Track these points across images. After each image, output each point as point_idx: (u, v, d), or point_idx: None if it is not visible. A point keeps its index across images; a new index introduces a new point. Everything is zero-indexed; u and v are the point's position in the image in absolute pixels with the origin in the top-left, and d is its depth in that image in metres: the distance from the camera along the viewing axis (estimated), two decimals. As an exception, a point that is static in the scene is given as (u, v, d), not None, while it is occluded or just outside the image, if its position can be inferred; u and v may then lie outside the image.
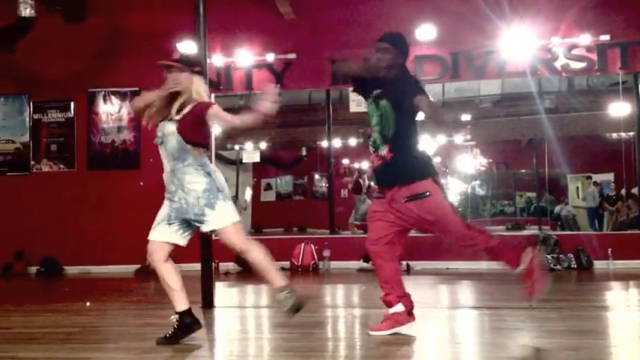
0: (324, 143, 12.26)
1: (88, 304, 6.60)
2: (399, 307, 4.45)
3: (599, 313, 5.67)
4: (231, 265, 9.70)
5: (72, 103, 11.15)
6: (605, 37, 9.61)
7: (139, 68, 10.76)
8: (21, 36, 9.68)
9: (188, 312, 4.38)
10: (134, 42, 10.75)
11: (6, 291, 9.12)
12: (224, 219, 4.25)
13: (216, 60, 10.35)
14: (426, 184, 4.25)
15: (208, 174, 4.29)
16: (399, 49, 4.52)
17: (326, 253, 10.12)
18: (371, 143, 4.43)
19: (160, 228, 4.35)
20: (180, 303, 4.37)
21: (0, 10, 9.65)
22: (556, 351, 3.99)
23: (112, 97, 11.02)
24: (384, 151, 4.33)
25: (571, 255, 9.42)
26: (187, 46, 9.97)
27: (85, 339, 4.77)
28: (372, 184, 13.34)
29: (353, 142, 14.66)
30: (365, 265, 9.85)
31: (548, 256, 9.41)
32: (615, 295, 7.32)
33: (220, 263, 9.54)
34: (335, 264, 10.11)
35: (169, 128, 4.29)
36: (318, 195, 15.53)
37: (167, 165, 4.33)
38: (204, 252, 6.26)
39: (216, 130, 9.59)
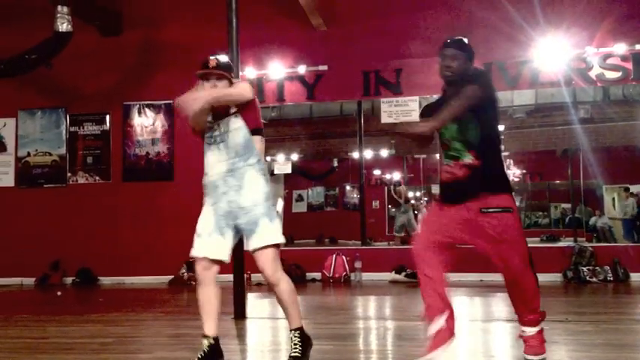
0: (356, 154, 12.28)
1: (59, 293, 6.65)
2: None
3: (636, 326, 5.56)
4: (261, 276, 9.72)
5: (107, 116, 11.32)
6: (641, 47, 9.48)
7: (173, 81, 10.86)
8: (58, 50, 9.85)
9: (217, 339, 4.11)
10: (168, 55, 10.91)
11: (42, 301, 9.26)
12: (275, 236, 3.92)
13: (249, 72, 10.43)
14: (510, 198, 3.98)
15: (268, 181, 4.02)
16: (467, 53, 4.25)
17: (357, 264, 10.10)
18: (451, 154, 4.07)
19: (211, 241, 3.94)
20: (214, 327, 4.09)
21: (38, 25, 9.86)
22: (592, 365, 3.93)
23: (147, 109, 11.17)
24: (468, 158, 3.99)
25: (607, 267, 9.27)
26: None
27: (119, 349, 4.82)
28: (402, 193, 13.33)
29: (384, 153, 14.64)
30: (397, 276, 9.82)
31: (584, 268, 9.27)
32: (653, 308, 7.18)
33: (252, 274, 9.57)
34: (366, 275, 10.08)
35: (235, 123, 3.97)
36: (349, 206, 15.52)
37: (223, 164, 3.94)
38: (236, 263, 6.28)
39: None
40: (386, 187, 14.31)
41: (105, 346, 4.93)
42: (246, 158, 3.95)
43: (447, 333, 3.92)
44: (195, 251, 3.97)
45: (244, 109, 4.00)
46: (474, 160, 3.98)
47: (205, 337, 4.02)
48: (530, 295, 4.00)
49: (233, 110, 4.01)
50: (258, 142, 4.03)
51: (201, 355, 3.96)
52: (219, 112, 4.02)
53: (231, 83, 4.08)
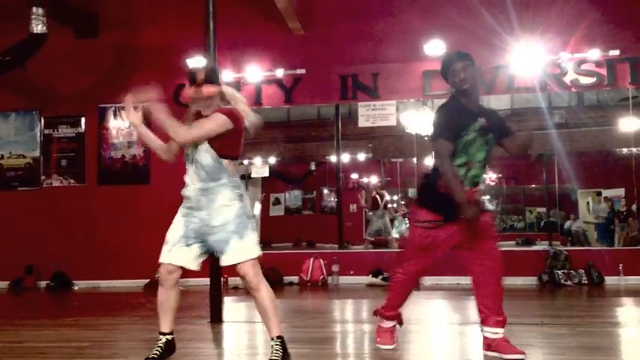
0: (333, 158, 12.29)
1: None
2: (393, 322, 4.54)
3: (610, 329, 5.62)
4: (239, 280, 9.68)
5: (82, 119, 11.22)
6: (615, 52, 9.62)
7: (149, 84, 10.85)
8: (33, 52, 9.75)
9: (172, 334, 4.17)
10: (145, 58, 10.84)
11: (16, 305, 9.14)
12: (248, 252, 3.94)
13: (226, 75, 10.40)
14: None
15: (241, 197, 4.02)
16: (473, 62, 4.23)
17: (335, 267, 10.11)
18: (471, 177, 4.12)
19: (177, 250, 3.99)
20: (171, 325, 4.15)
21: (12, 27, 9.75)
22: (567, 367, 3.96)
23: (123, 112, 11.06)
24: (481, 184, 4.27)
25: (582, 270, 9.37)
26: (197, 62, 10.05)
27: (94, 353, 4.77)
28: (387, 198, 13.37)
29: (362, 156, 14.68)
30: (374, 280, 9.84)
31: (559, 272, 9.36)
32: (627, 311, 7.27)
33: (229, 278, 9.53)
34: (344, 279, 10.09)
35: (203, 145, 3.98)
36: (326, 210, 15.51)
37: (197, 183, 3.98)
38: (213, 266, 6.25)
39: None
40: (363, 191, 14.31)
41: (80, 350, 4.88)
42: (217, 178, 3.97)
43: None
44: (162, 258, 4.07)
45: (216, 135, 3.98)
46: (481, 186, 4.27)
47: (162, 334, 4.13)
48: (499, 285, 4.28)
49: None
50: (230, 164, 4.04)
51: (158, 351, 4.07)
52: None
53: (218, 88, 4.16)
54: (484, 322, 4.21)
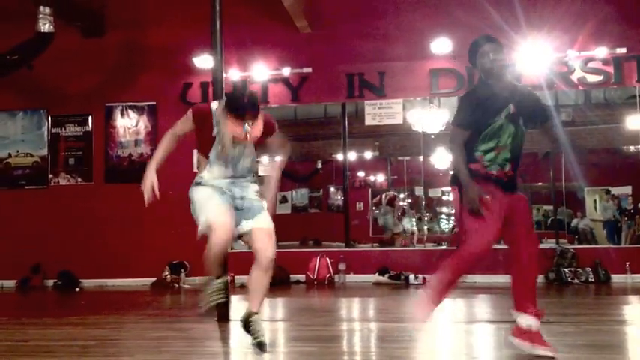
0: (340, 156, 12.28)
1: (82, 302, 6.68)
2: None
3: (617, 327, 5.61)
4: (246, 278, 9.70)
5: (90, 117, 11.26)
6: (622, 50, 9.59)
7: (156, 82, 10.91)
8: (40, 51, 9.78)
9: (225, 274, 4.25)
10: (151, 57, 10.88)
11: (23, 304, 9.18)
12: (272, 225, 4.08)
13: (233, 74, 10.41)
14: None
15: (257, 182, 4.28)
16: (504, 49, 4.26)
17: (341, 266, 10.11)
18: (499, 163, 4.11)
19: (229, 212, 3.94)
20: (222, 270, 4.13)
21: (19, 26, 9.78)
22: (574, 366, 3.95)
23: (130, 111, 11.11)
24: (507, 168, 4.13)
25: (589, 269, 9.35)
26: (204, 61, 10.08)
27: (101, 352, 4.79)
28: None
29: (368, 155, 14.66)
30: (381, 278, 9.84)
31: (566, 270, 9.34)
32: (633, 308, 7.25)
33: (236, 276, 9.55)
34: (350, 277, 10.09)
35: (250, 151, 4.13)
36: (333, 208, 15.50)
37: (228, 180, 4.09)
38: (220, 265, 6.26)
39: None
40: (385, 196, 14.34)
41: (86, 348, 4.90)
42: (247, 177, 4.17)
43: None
44: (216, 217, 3.87)
45: (270, 135, 4.21)
46: (509, 171, 4.14)
47: (219, 276, 4.07)
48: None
49: (252, 137, 4.04)
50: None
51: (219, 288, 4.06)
52: (241, 135, 3.99)
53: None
54: (519, 308, 4.12)
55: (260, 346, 3.95)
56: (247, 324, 4.01)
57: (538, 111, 4.28)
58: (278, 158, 4.49)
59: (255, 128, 4.00)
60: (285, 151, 4.46)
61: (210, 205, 3.95)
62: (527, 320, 4.09)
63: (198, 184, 4.11)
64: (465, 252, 4.08)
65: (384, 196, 13.46)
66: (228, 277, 4.15)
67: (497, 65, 4.13)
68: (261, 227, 4.01)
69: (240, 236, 4.08)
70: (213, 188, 4.05)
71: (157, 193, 4.05)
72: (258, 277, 4.01)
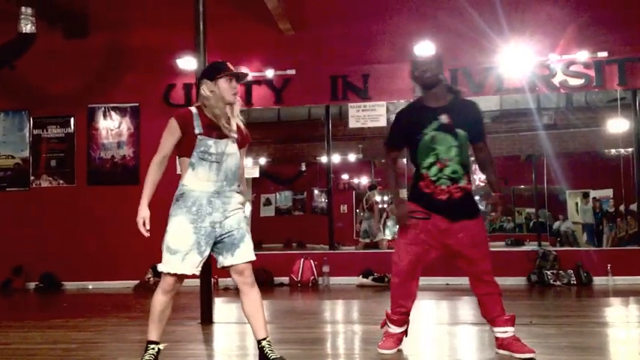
0: (324, 159, 12.28)
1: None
2: (404, 328, 4.48)
3: (599, 329, 5.65)
4: (229, 281, 9.67)
5: (72, 119, 11.18)
6: (603, 54, 9.67)
7: (139, 84, 10.85)
8: (21, 52, 9.70)
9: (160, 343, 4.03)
10: (134, 58, 10.83)
11: (4, 306, 9.10)
12: (253, 253, 4.00)
13: (216, 76, 10.37)
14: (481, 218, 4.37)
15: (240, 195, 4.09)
16: (442, 64, 4.32)
17: (325, 268, 10.11)
18: (447, 176, 4.16)
19: (191, 259, 3.87)
20: (158, 334, 3.99)
21: (0, 26, 9.70)
22: (556, 367, 3.98)
23: (112, 112, 11.05)
24: (464, 182, 4.19)
25: (571, 271, 9.42)
26: (187, 62, 10.05)
27: (83, 355, 4.76)
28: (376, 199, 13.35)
29: (352, 157, 14.70)
30: (364, 280, 9.85)
31: (548, 272, 9.41)
32: (615, 311, 7.30)
33: (219, 279, 9.53)
34: (334, 279, 10.09)
35: (232, 148, 3.99)
36: (317, 210, 15.53)
37: (211, 185, 3.91)
38: (203, 267, 6.23)
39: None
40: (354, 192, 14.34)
41: (68, 352, 4.87)
42: (232, 184, 3.99)
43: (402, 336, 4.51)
44: (174, 268, 3.87)
45: (240, 144, 4.07)
46: (467, 185, 4.22)
47: (155, 342, 3.96)
48: (498, 294, 4.27)
49: (234, 135, 4.01)
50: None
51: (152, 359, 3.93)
52: (220, 131, 3.96)
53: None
54: (492, 322, 4.26)
55: None
56: (261, 351, 3.97)
57: (475, 126, 4.28)
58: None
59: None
60: (244, 183, 4.19)
61: (179, 251, 3.87)
62: (501, 330, 4.22)
63: (180, 197, 3.94)
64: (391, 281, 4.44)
65: (364, 200, 13.47)
66: (162, 346, 3.97)
67: (423, 80, 4.24)
68: (242, 262, 3.95)
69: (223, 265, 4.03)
70: (192, 219, 3.88)
71: (147, 230, 3.98)
72: (247, 299, 4.01)
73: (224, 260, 3.95)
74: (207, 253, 3.92)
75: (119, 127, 11.03)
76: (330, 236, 11.33)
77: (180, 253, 3.86)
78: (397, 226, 4.25)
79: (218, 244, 3.94)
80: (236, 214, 3.97)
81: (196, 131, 3.93)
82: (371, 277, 9.83)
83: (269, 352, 3.92)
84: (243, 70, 4.13)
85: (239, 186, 4.06)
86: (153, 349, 3.94)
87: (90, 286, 10.61)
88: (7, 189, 11.16)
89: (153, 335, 3.95)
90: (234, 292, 9.38)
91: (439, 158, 4.15)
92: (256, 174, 12.24)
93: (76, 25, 11.09)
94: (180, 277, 3.91)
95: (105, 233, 10.55)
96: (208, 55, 6.50)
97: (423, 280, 4.48)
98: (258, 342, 3.97)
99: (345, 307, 8.07)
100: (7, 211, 10.89)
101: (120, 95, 10.95)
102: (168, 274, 3.89)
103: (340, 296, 8.94)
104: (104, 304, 8.54)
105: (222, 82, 3.99)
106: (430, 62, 4.26)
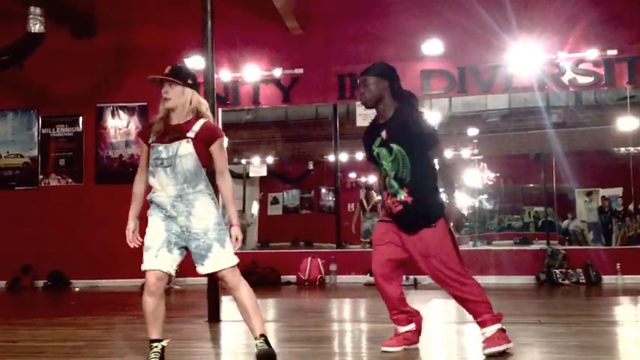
0: (331, 157, 12.28)
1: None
2: (411, 326, 4.45)
3: (608, 328, 5.62)
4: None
5: (80, 118, 11.21)
6: (613, 52, 9.62)
7: (147, 83, 10.82)
8: (30, 52, 9.74)
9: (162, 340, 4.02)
10: (142, 57, 10.83)
11: (13, 304, 9.13)
12: (229, 260, 3.90)
13: (224, 75, 10.39)
14: (440, 223, 4.20)
15: (217, 204, 4.00)
16: (386, 78, 4.33)
17: (332, 267, 10.11)
18: (388, 190, 4.26)
19: (162, 255, 3.88)
20: (161, 331, 4.00)
21: (9, 26, 9.73)
22: (565, 366, 3.96)
23: (120, 111, 11.07)
24: (402, 195, 4.18)
25: (579, 270, 9.38)
26: (195, 61, 10.05)
27: (91, 353, 4.77)
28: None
29: (360, 156, 14.66)
30: (372, 279, 9.83)
31: (557, 271, 9.37)
32: (624, 310, 7.27)
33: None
34: (341, 278, 10.08)
35: (186, 149, 3.87)
36: (324, 209, 15.51)
37: (172, 189, 3.89)
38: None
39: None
40: (360, 190, 14.27)
41: (76, 349, 4.88)
42: (195, 185, 3.91)
43: (415, 335, 4.48)
44: (148, 265, 3.92)
45: (197, 138, 3.91)
46: (406, 197, 4.19)
47: (156, 341, 3.97)
48: (473, 294, 4.19)
49: (189, 135, 3.91)
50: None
51: (156, 357, 3.94)
52: (176, 134, 3.93)
53: (186, 88, 4.04)
54: (481, 324, 4.23)
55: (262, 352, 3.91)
56: (256, 347, 3.96)
57: (416, 138, 4.21)
58: (224, 183, 4.01)
59: (173, 95, 4.00)
60: (226, 175, 4.01)
61: (151, 247, 3.92)
62: (486, 329, 4.20)
63: (150, 203, 4.03)
64: None
65: (363, 200, 13.26)
66: (165, 342, 3.98)
67: (363, 101, 4.33)
68: (208, 272, 3.92)
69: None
70: (162, 217, 3.94)
71: (139, 242, 4.06)
72: (237, 302, 3.98)
73: (198, 268, 3.94)
74: (177, 252, 3.92)
75: (127, 126, 11.05)
76: (337, 235, 11.33)
77: (153, 249, 3.90)
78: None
79: (192, 249, 3.92)
80: (202, 220, 3.88)
81: (150, 140, 3.99)
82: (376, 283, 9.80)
83: (259, 345, 3.92)
84: (167, 71, 4.03)
85: (207, 186, 3.95)
86: (156, 347, 3.96)
87: (98, 284, 10.64)
88: (16, 188, 11.21)
89: (153, 334, 3.98)
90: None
91: (386, 172, 4.27)
92: (264, 172, 12.27)
93: (83, 24, 11.12)
94: (160, 277, 3.90)
95: (113, 232, 10.46)
96: (216, 55, 6.50)
97: (430, 280, 4.47)
98: (255, 340, 3.98)
99: (352, 305, 8.06)
100: (15, 209, 10.93)
101: (128, 94, 10.97)
102: (147, 271, 3.93)
103: (347, 295, 8.93)
104: (112, 303, 8.57)
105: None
106: (368, 83, 4.29)
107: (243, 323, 6.38)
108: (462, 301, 4.23)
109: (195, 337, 5.43)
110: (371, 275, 9.77)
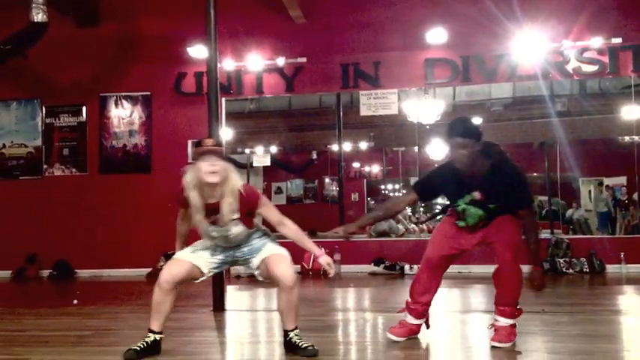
0: (335, 147, 12.27)
1: (75, 301, 6.79)
2: (421, 321, 4.50)
3: (611, 317, 5.63)
4: (241, 269, 9.68)
5: (84, 108, 11.20)
6: (617, 40, 9.56)
7: (151, 72, 10.86)
8: (33, 41, 9.72)
9: (160, 334, 4.15)
10: (146, 47, 10.82)
11: (19, 294, 9.17)
12: (281, 250, 4.22)
13: (227, 64, 10.37)
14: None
15: (267, 234, 4.29)
16: (474, 137, 4.17)
17: (336, 256, 10.10)
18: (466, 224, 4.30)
19: (202, 255, 4.09)
20: (162, 325, 4.13)
21: (13, 15, 9.71)
22: (568, 355, 3.97)
23: (124, 101, 11.06)
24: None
25: (583, 259, 9.37)
26: (198, 51, 10.05)
27: (96, 342, 4.79)
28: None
29: (363, 145, 14.66)
30: (376, 268, 9.86)
31: (561, 260, 9.36)
32: (628, 299, 7.28)
33: (231, 267, 9.54)
34: (346, 267, 10.09)
35: (237, 228, 4.03)
36: (328, 198, 15.53)
37: (226, 248, 4.16)
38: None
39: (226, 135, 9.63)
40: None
41: (82, 338, 4.90)
42: (248, 241, 4.14)
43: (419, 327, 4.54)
44: (180, 254, 4.04)
45: (241, 212, 4.01)
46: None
47: (153, 332, 4.09)
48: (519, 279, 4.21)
49: (234, 217, 3.99)
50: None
51: (142, 346, 4.05)
52: (218, 215, 3.97)
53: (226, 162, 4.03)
54: (500, 313, 4.28)
55: (309, 353, 3.98)
56: (288, 342, 4.05)
57: (516, 197, 4.22)
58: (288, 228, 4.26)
59: (220, 169, 3.86)
60: (286, 222, 4.27)
61: (194, 246, 4.11)
62: (494, 317, 4.29)
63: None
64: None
65: None
66: (158, 337, 4.08)
67: (461, 162, 4.16)
68: (270, 254, 4.05)
69: (254, 274, 4.19)
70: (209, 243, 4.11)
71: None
72: (285, 298, 4.04)
73: (254, 262, 4.14)
74: (217, 259, 4.12)
75: (131, 115, 11.04)
76: (341, 224, 11.31)
77: (196, 247, 4.08)
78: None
79: (242, 259, 4.17)
80: (252, 247, 4.16)
81: (197, 217, 4.02)
82: (382, 265, 9.83)
83: (297, 340, 4.02)
84: (213, 143, 3.95)
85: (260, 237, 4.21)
86: (149, 337, 4.08)
87: (103, 274, 10.66)
88: (20, 177, 11.22)
89: (152, 324, 4.11)
90: (245, 280, 9.43)
91: (467, 224, 4.35)
92: (267, 162, 12.25)
93: (87, 13, 11.09)
94: (176, 277, 4.00)
95: (117, 221, 10.60)
96: (219, 44, 6.49)
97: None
98: (286, 333, 4.07)
99: (356, 295, 8.08)
100: (20, 199, 10.95)
101: (131, 84, 10.96)
102: (170, 264, 4.05)
103: (351, 284, 8.94)
104: (117, 292, 8.60)
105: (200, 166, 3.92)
106: (465, 146, 4.14)
107: (247, 312, 6.44)
108: (498, 285, 4.26)
109: (201, 327, 5.45)
110: (376, 265, 9.85)
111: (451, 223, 4.34)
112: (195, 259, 4.03)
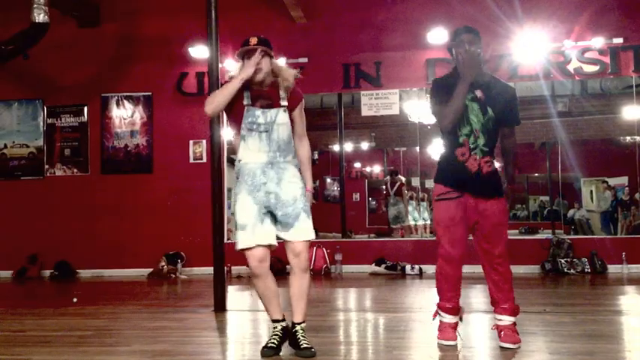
0: (336, 147, 12.26)
1: (75, 299, 6.77)
2: (458, 316, 4.40)
3: (613, 317, 5.62)
4: (242, 269, 9.69)
5: (85, 108, 11.22)
6: (619, 40, 9.57)
7: (152, 73, 10.87)
8: (35, 41, 9.73)
9: (284, 320, 4.14)
10: (147, 47, 10.84)
11: (20, 294, 9.18)
12: (312, 232, 4.00)
13: (229, 64, 10.36)
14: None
15: (302, 179, 4.08)
16: (479, 37, 4.26)
17: (338, 256, 10.12)
18: (472, 146, 4.15)
19: (259, 230, 3.89)
20: (280, 310, 4.13)
21: (14, 16, 9.74)
22: (570, 356, 3.96)
23: (125, 101, 11.07)
24: (487, 157, 4.17)
25: (585, 259, 9.37)
26: (199, 51, 10.05)
27: (97, 342, 4.79)
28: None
29: (365, 145, 14.67)
30: (377, 269, 9.85)
31: (562, 260, 9.36)
32: (629, 299, 7.27)
33: (232, 267, 9.55)
34: (347, 267, 10.10)
35: (283, 117, 3.95)
36: (329, 199, 15.52)
37: (264, 155, 3.93)
38: (216, 255, 6.27)
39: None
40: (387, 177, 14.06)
41: (83, 338, 4.90)
42: (286, 155, 3.99)
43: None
44: (245, 243, 3.91)
45: (290, 106, 4.00)
46: (491, 162, 4.19)
47: (276, 321, 4.08)
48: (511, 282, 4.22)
49: (284, 103, 3.97)
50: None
51: (276, 340, 4.02)
52: (269, 100, 3.97)
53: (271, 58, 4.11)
54: (493, 307, 4.26)
55: (307, 354, 3.92)
56: (293, 334, 4.02)
57: (509, 110, 4.23)
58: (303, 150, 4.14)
59: (265, 65, 3.99)
60: (304, 140, 4.14)
61: (247, 224, 3.90)
62: (497, 317, 4.24)
63: (238, 173, 4.00)
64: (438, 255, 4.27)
65: (388, 185, 13.15)
66: (284, 322, 4.08)
67: (471, 54, 4.14)
68: (297, 241, 3.95)
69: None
70: (249, 191, 3.92)
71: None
72: (297, 282, 4.02)
73: (281, 234, 3.97)
74: (268, 222, 3.93)
75: (132, 116, 11.05)
76: (342, 224, 11.33)
77: (249, 226, 3.90)
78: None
79: (275, 217, 3.94)
80: (291, 188, 3.94)
81: (245, 102, 3.97)
82: (384, 266, 9.83)
83: (301, 337, 3.98)
84: (255, 42, 4.00)
85: (294, 157, 4.04)
86: (275, 327, 4.06)
87: (104, 274, 10.67)
88: (22, 178, 11.24)
89: (272, 314, 4.08)
90: (247, 280, 9.43)
91: (473, 129, 4.16)
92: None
93: (88, 14, 11.11)
94: (261, 257, 3.93)
95: (119, 221, 10.61)
96: (220, 44, 6.50)
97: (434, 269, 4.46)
98: (293, 324, 4.04)
99: (357, 295, 8.07)
100: (22, 199, 10.98)
101: (133, 84, 10.97)
102: (247, 252, 3.93)
103: (353, 284, 8.95)
104: (118, 292, 8.60)
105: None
106: (478, 41, 4.23)
107: (248, 312, 6.44)
108: (504, 282, 4.21)
109: (201, 327, 5.45)
110: (377, 265, 9.85)
111: (449, 206, 4.17)
112: (253, 232, 3.89)
